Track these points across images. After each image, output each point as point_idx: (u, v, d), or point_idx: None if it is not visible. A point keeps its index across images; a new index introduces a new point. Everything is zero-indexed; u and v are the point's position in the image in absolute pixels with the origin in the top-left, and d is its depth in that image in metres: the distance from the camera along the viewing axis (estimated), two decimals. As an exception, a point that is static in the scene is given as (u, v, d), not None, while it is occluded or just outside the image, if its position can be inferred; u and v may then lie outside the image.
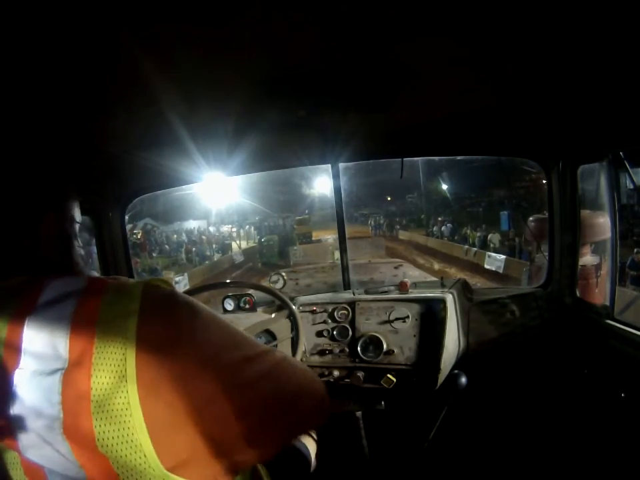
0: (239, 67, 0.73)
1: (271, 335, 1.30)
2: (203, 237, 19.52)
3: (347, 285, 1.69)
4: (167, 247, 18.85)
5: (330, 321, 1.48)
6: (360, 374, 1.34)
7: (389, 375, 1.30)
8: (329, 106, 0.99)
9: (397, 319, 1.39)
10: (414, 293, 1.46)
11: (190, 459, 0.45)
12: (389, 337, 1.38)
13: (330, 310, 1.49)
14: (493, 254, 11.84)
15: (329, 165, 1.58)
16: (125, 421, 0.42)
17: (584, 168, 1.39)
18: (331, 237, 14.40)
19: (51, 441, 0.43)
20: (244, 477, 0.59)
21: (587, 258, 1.69)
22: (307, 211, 19.98)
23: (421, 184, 21.80)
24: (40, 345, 0.43)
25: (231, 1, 0.53)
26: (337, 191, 1.63)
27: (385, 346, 1.35)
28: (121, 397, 0.42)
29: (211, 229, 21.03)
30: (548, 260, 1.56)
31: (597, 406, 1.32)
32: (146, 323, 0.44)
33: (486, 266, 11.08)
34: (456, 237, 17.60)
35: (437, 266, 12.97)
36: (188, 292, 1.37)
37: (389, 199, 27.69)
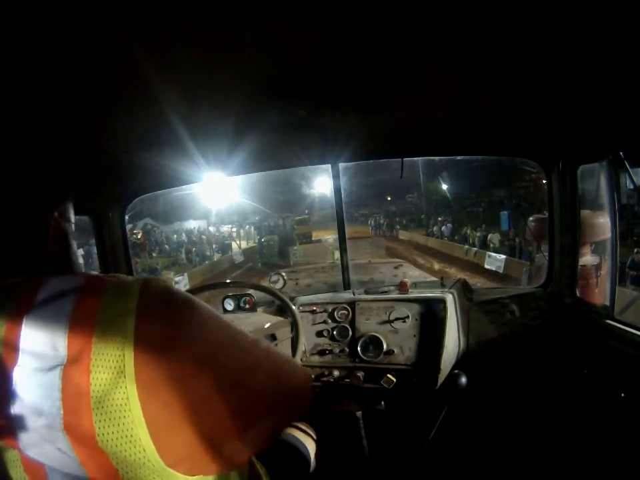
0: (239, 67, 0.73)
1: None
2: (203, 237, 19.52)
3: (347, 285, 1.69)
4: (166, 246, 18.85)
5: (330, 321, 1.48)
6: (360, 374, 1.34)
7: (388, 375, 1.30)
8: (329, 106, 0.99)
9: (397, 319, 1.39)
10: (414, 293, 1.46)
11: (188, 456, 0.46)
12: (389, 336, 1.38)
13: (330, 310, 1.49)
14: (493, 254, 11.85)
15: (329, 165, 1.58)
16: (124, 417, 0.42)
17: (584, 168, 1.38)
18: (330, 237, 14.41)
19: (52, 439, 0.43)
20: (242, 477, 0.59)
21: (587, 258, 1.69)
22: (306, 211, 20.03)
23: (421, 184, 21.82)
24: (38, 343, 0.43)
25: (230, 1, 0.53)
26: (337, 190, 1.63)
27: (385, 346, 1.35)
28: (119, 394, 0.42)
29: (211, 228, 21.04)
30: (548, 260, 1.56)
31: (596, 406, 1.32)
32: (144, 322, 0.44)
33: (486, 266, 11.09)
34: (456, 237, 17.59)
35: (437, 266, 12.97)
36: (188, 292, 1.37)
37: (389, 198, 27.71)
